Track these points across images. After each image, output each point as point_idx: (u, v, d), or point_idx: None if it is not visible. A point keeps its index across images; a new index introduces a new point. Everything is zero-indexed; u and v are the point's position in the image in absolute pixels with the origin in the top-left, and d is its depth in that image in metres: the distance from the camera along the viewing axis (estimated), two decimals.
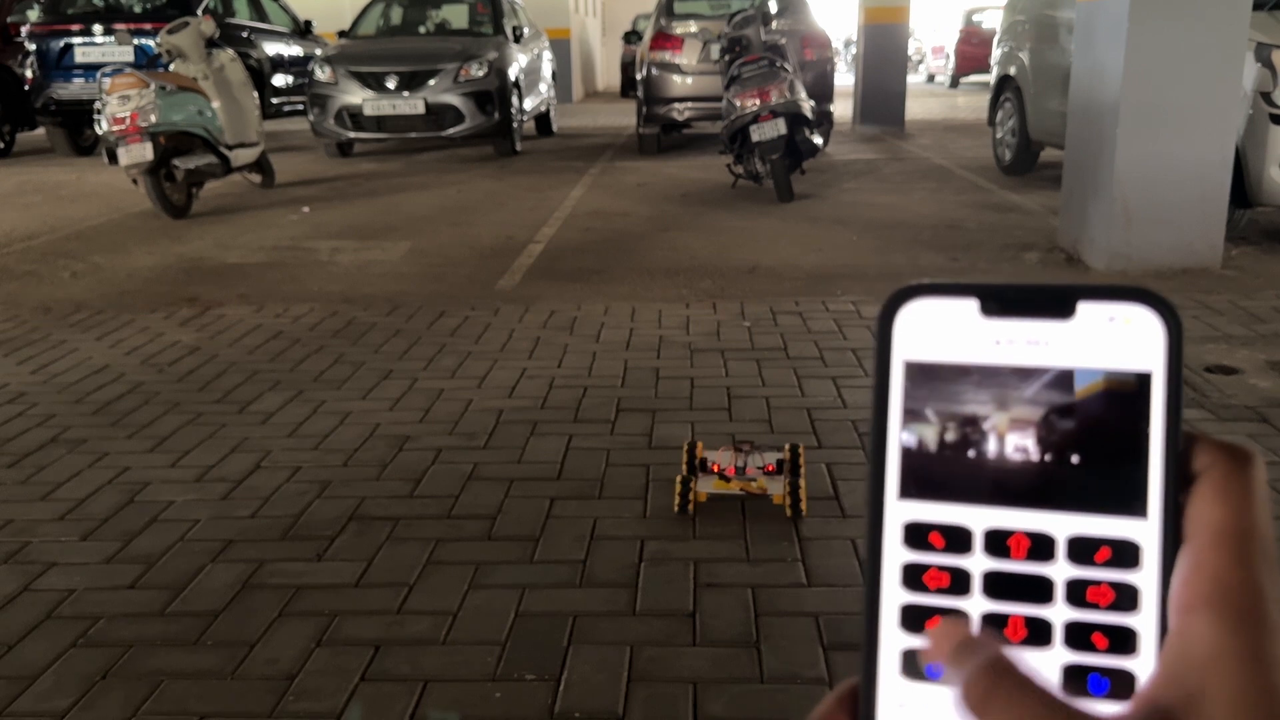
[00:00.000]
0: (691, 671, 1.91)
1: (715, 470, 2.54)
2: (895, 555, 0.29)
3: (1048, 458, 0.28)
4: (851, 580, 2.22)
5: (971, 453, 0.28)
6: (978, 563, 0.28)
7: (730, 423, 3.08)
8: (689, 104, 9.02)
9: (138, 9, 9.71)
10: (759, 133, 6.41)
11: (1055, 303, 0.28)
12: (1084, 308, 0.28)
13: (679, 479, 2.53)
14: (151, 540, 2.45)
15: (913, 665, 0.28)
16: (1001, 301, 0.29)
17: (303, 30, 11.43)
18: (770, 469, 2.53)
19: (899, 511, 0.29)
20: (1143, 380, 0.27)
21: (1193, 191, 4.57)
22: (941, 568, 0.28)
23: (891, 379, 0.29)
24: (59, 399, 3.43)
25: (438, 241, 5.86)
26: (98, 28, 9.44)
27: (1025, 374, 0.28)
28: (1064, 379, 0.28)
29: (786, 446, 2.59)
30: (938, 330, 0.29)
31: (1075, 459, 0.27)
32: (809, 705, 1.85)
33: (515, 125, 9.41)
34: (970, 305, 0.29)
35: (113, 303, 4.64)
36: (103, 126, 6.16)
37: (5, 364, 3.81)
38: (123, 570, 2.32)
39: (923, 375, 0.29)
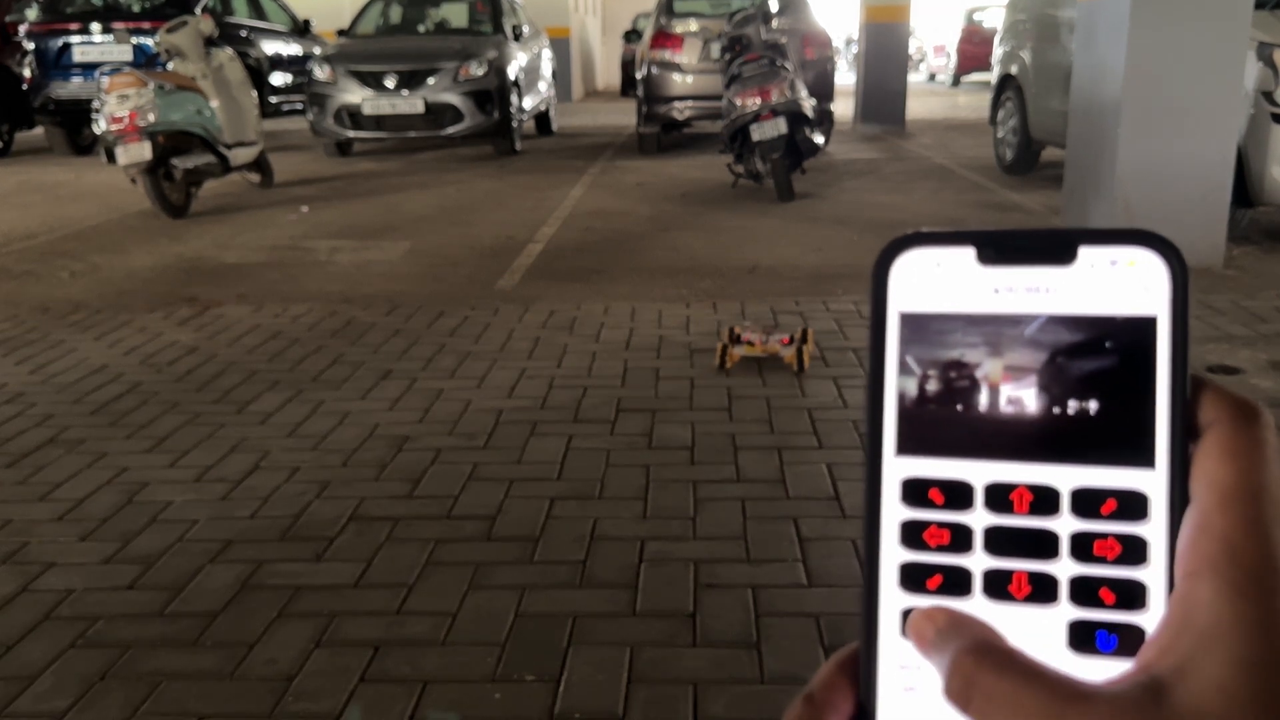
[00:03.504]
0: (692, 672, 1.90)
1: (745, 341, 3.46)
2: (894, 513, 0.28)
3: (1050, 408, 0.27)
4: (852, 581, 2.21)
5: (971, 405, 0.27)
6: (979, 518, 0.27)
7: (730, 422, 3.08)
8: (689, 103, 9.01)
9: (136, 8, 9.70)
10: (759, 132, 6.40)
11: (1055, 248, 0.27)
12: (1085, 252, 0.27)
13: (720, 346, 3.48)
14: (150, 540, 2.45)
15: None
16: (999, 249, 0.28)
17: (301, 29, 11.42)
18: (785, 341, 3.45)
19: (897, 468, 0.28)
20: (1148, 325, 0.26)
21: (1194, 191, 4.57)
22: (942, 524, 0.27)
23: (888, 332, 0.28)
24: (57, 399, 3.42)
25: (437, 241, 5.85)
26: (96, 27, 9.43)
27: (1026, 322, 0.27)
28: (1066, 326, 0.27)
29: (799, 329, 3.59)
30: (935, 280, 0.28)
31: (1078, 409, 0.27)
32: None
33: (515, 124, 9.40)
34: (967, 254, 0.28)
35: (111, 302, 4.63)
36: (101, 126, 6.15)
37: (4, 364, 3.81)
38: (121, 571, 2.31)
39: (920, 327, 0.28)
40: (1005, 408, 0.27)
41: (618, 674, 1.90)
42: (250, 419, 3.21)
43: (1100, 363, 0.26)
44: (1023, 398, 0.27)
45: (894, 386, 0.28)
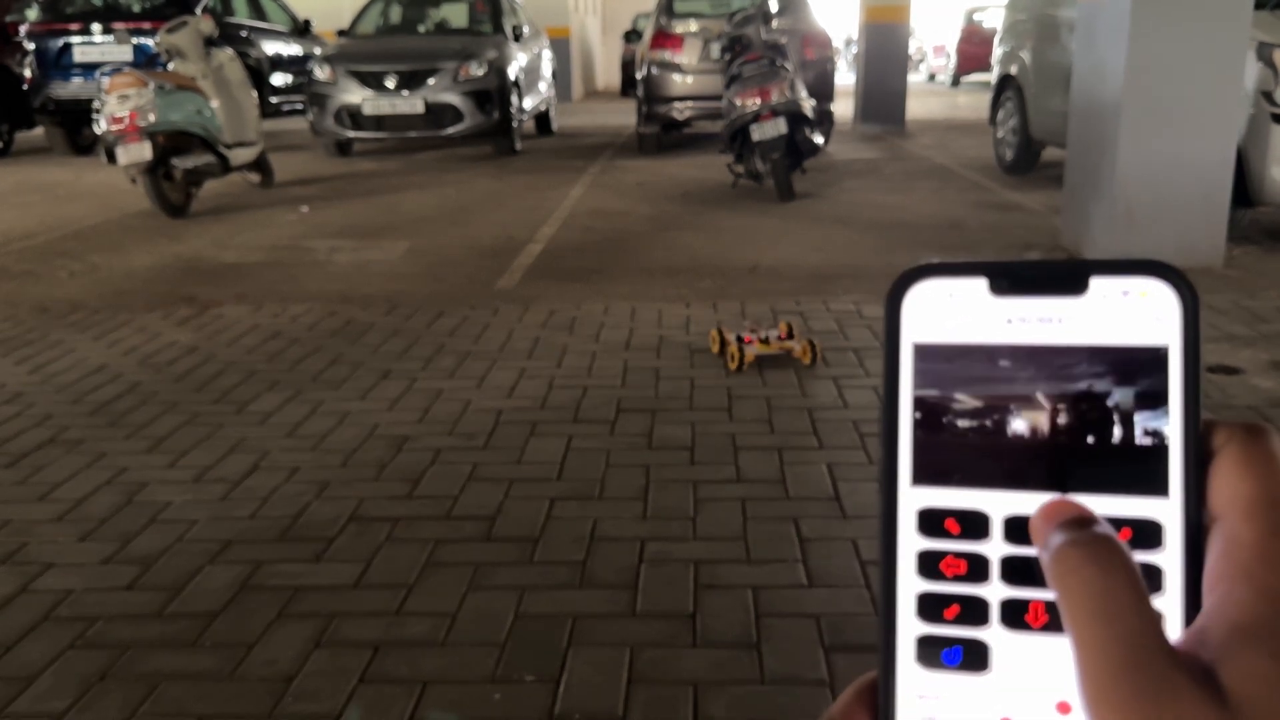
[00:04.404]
0: (692, 673, 1.90)
1: (749, 341, 3.50)
2: (910, 543, 0.28)
3: (1064, 438, 0.27)
4: (852, 582, 2.21)
5: (985, 435, 0.27)
6: (995, 548, 0.27)
7: (731, 422, 3.07)
8: (689, 103, 9.01)
9: (136, 8, 9.69)
10: (759, 132, 6.40)
11: (1067, 278, 0.27)
12: (1096, 283, 0.27)
13: (732, 348, 3.48)
14: (149, 541, 2.44)
15: (931, 655, 0.27)
16: (1011, 279, 0.28)
17: (301, 29, 11.42)
18: (784, 335, 3.57)
19: (913, 498, 0.28)
20: (1159, 354, 0.26)
21: (1195, 191, 4.56)
22: (958, 554, 0.27)
23: (901, 362, 0.28)
24: (57, 399, 3.42)
25: (437, 241, 5.85)
26: (96, 27, 9.43)
27: (1038, 352, 0.27)
28: (1078, 356, 0.27)
29: (782, 323, 3.66)
30: (947, 311, 0.28)
31: (1091, 438, 0.27)
32: (810, 707, 1.84)
33: (515, 124, 9.39)
34: (980, 284, 0.28)
35: (110, 302, 4.63)
36: (101, 126, 6.14)
37: (3, 364, 3.80)
38: (121, 571, 2.31)
39: (933, 357, 0.28)
40: (1019, 437, 0.27)
41: (617, 675, 1.90)
42: (249, 419, 3.20)
43: (1112, 392, 0.27)
44: (1036, 427, 0.27)
45: (908, 417, 0.28)
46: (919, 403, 0.28)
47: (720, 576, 2.23)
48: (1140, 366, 0.27)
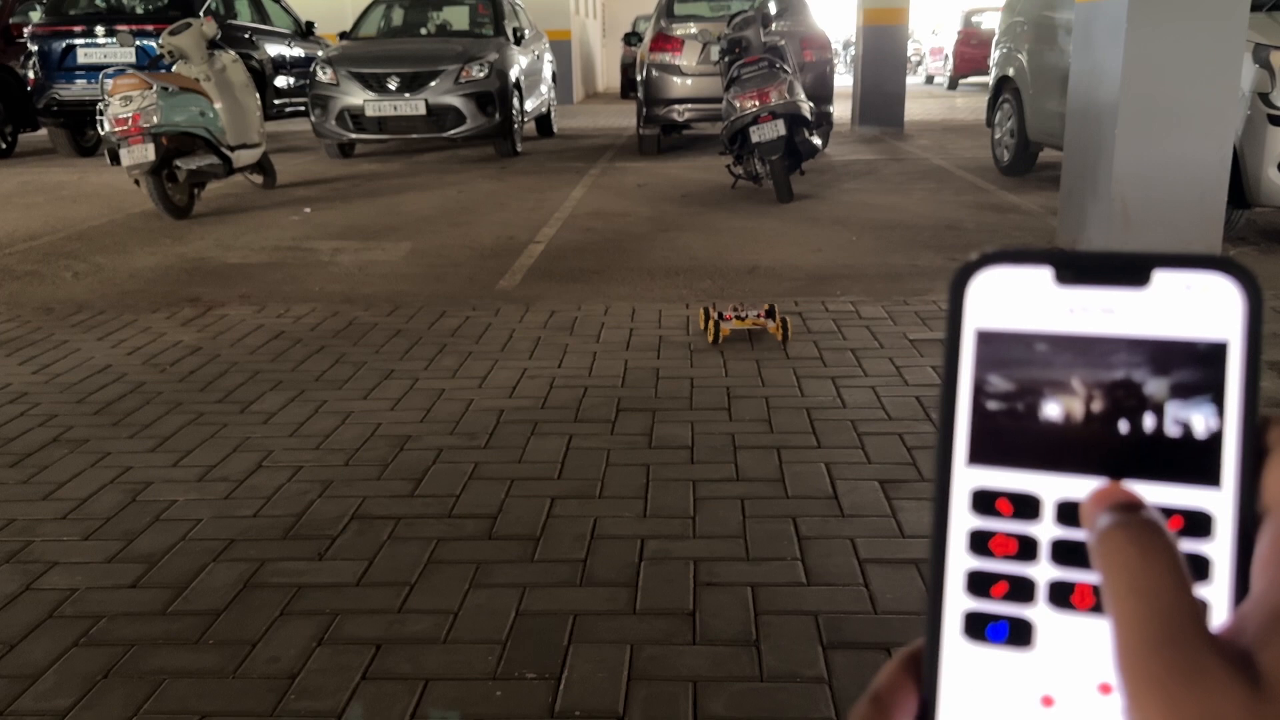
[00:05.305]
0: (691, 670, 1.92)
1: (729, 319, 3.82)
2: (962, 521, 0.29)
3: (1119, 426, 0.27)
4: (851, 580, 2.22)
5: (1042, 420, 0.28)
6: (1046, 530, 0.28)
7: (730, 422, 3.09)
8: (689, 105, 9.02)
9: (140, 10, 9.72)
10: (759, 134, 6.42)
11: (1131, 271, 0.28)
12: (1160, 276, 0.27)
13: (712, 322, 3.80)
14: (153, 540, 2.46)
15: (977, 629, 0.28)
16: (1076, 269, 0.28)
17: (304, 31, 11.44)
18: (762, 315, 3.84)
19: (967, 477, 0.29)
20: (1219, 349, 0.27)
21: (1191, 192, 4.58)
22: (1009, 534, 0.28)
23: (962, 347, 0.29)
24: (61, 399, 3.44)
25: (438, 242, 5.87)
26: (100, 29, 9.45)
27: (1099, 342, 0.28)
28: (1138, 348, 0.27)
29: (764, 305, 3.99)
30: (1011, 299, 0.29)
31: (1147, 427, 0.27)
32: (809, 704, 1.86)
33: (516, 126, 9.42)
34: (1044, 273, 0.28)
35: (114, 303, 4.65)
36: (105, 127, 6.17)
37: (7, 364, 3.82)
38: (124, 570, 2.33)
39: (995, 343, 0.29)
40: (1075, 424, 0.28)
41: (618, 672, 1.92)
42: (253, 419, 3.23)
43: (1170, 384, 0.27)
44: (1092, 415, 0.28)
45: (967, 400, 0.29)
46: (978, 386, 0.29)
47: (720, 574, 2.25)
48: (1199, 360, 0.27)
